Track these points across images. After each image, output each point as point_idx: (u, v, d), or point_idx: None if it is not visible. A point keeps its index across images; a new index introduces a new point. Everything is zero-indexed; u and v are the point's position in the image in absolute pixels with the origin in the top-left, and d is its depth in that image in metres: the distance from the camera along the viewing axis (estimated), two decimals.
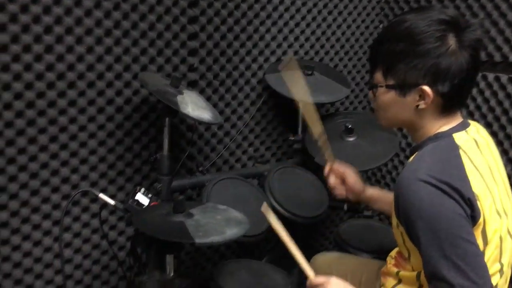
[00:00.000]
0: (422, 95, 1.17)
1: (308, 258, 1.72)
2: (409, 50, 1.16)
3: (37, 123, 1.60)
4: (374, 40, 1.32)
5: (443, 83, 1.15)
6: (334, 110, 2.41)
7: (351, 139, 1.95)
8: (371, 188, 1.60)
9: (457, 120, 1.23)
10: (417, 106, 1.19)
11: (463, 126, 1.22)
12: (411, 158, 1.21)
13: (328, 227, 2.47)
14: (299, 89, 1.70)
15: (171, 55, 1.84)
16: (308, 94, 1.68)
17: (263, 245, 2.26)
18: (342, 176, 1.58)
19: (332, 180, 1.59)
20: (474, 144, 1.20)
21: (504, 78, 2.02)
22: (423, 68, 1.15)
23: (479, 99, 2.10)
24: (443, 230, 1.06)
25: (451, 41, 1.15)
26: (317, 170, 2.03)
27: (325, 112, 2.34)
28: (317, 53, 2.29)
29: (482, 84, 2.08)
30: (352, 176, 1.57)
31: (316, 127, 1.64)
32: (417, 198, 1.08)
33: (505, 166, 2.00)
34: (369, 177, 2.46)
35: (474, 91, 2.11)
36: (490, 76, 2.06)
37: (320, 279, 1.25)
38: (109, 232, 1.84)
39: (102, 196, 1.49)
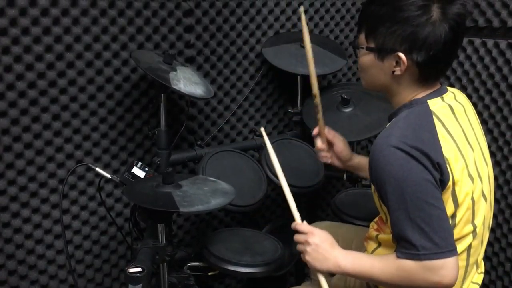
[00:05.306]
0: (398, 62, 1.19)
1: None
2: (391, 15, 1.18)
3: (39, 102, 1.68)
4: (363, 2, 1.33)
5: (419, 53, 1.17)
6: (336, 81, 2.42)
7: (347, 110, 1.98)
8: (358, 156, 1.63)
9: (435, 88, 1.25)
10: (393, 72, 1.21)
11: (439, 93, 1.24)
12: (388, 125, 1.24)
13: (325, 198, 2.51)
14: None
15: (167, 33, 1.89)
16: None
17: (267, 216, 2.33)
18: (331, 141, 1.61)
19: (319, 143, 1.61)
20: (449, 109, 1.22)
21: (490, 42, 2.01)
22: (401, 34, 1.17)
23: (467, 65, 2.09)
24: (409, 194, 1.10)
25: (434, 12, 1.16)
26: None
27: (326, 84, 2.36)
28: (316, 25, 2.29)
29: (469, 50, 2.08)
30: (340, 143, 1.60)
31: (314, 85, 1.61)
32: (387, 163, 1.12)
33: (491, 129, 2.02)
34: (366, 145, 2.49)
35: (462, 56, 2.10)
36: (477, 42, 2.05)
37: (305, 227, 1.30)
38: (115, 205, 1.93)
39: (98, 170, 1.58)
